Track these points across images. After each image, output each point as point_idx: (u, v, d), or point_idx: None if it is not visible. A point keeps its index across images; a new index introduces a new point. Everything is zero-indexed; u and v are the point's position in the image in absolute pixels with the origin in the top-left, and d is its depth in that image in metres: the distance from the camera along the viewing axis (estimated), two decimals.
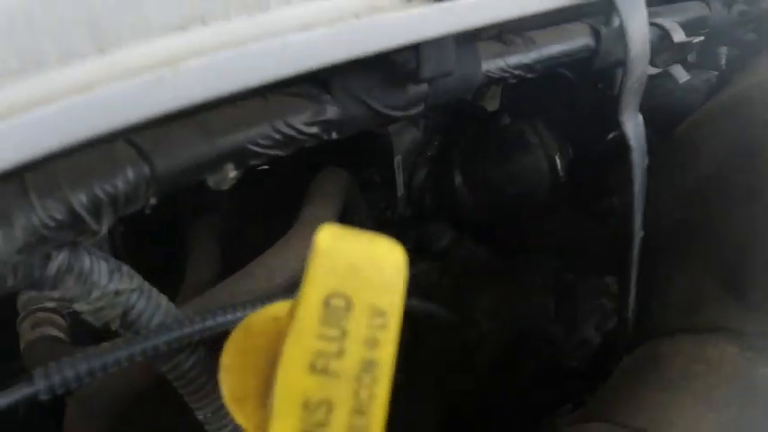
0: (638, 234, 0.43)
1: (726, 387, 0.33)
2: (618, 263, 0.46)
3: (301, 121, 0.34)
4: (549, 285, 1.04)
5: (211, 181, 0.33)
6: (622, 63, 0.56)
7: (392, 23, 0.29)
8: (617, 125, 1.00)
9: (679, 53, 0.82)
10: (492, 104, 0.83)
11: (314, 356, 0.14)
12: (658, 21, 0.54)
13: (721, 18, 0.74)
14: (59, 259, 0.31)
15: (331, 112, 0.35)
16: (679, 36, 0.52)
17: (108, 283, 0.35)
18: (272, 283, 0.55)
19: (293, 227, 0.61)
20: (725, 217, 0.43)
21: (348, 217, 0.77)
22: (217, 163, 0.32)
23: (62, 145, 0.26)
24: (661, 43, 0.56)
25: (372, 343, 0.15)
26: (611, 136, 0.96)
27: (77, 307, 0.36)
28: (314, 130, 0.34)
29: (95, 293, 0.34)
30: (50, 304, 0.52)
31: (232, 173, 0.33)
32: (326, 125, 0.35)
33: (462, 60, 0.40)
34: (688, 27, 0.68)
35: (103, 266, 0.35)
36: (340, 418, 0.14)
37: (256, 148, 0.33)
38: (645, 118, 0.90)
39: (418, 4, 0.31)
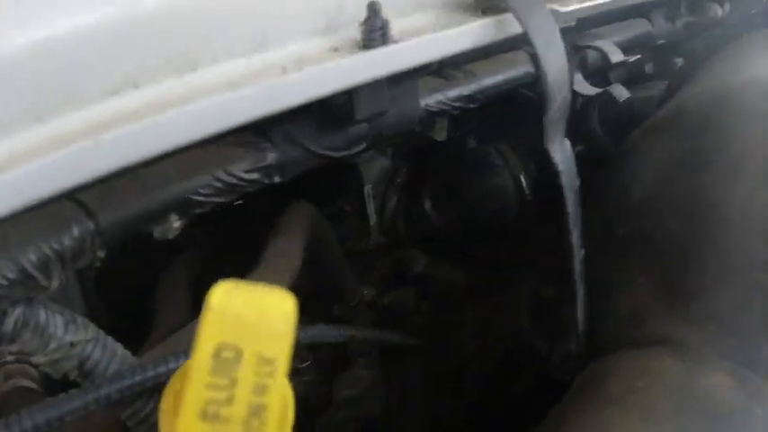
0: (579, 253, 0.46)
1: (667, 401, 0.35)
2: (564, 283, 0.48)
3: (241, 168, 0.36)
4: (528, 301, 1.06)
5: (156, 231, 0.35)
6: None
7: (319, 75, 0.31)
8: (583, 139, 1.03)
9: (628, 71, 0.86)
10: (440, 135, 0.86)
11: (205, 404, 0.16)
12: (596, 43, 0.58)
13: (665, 32, 0.78)
14: (15, 315, 0.33)
15: (271, 158, 0.37)
16: (616, 57, 0.55)
17: (64, 335, 0.36)
18: None
19: (258, 265, 0.63)
20: (665, 230, 0.45)
21: (317, 249, 0.79)
22: (160, 214, 0.34)
23: (10, 209, 0.28)
24: (600, 65, 0.59)
25: (261, 389, 0.17)
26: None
27: (35, 359, 0.37)
28: (255, 176, 0.37)
29: (52, 345, 0.36)
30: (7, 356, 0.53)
31: (176, 222, 0.35)
32: (267, 170, 0.37)
33: (400, 98, 0.43)
34: (631, 44, 0.73)
35: (59, 319, 0.36)
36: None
37: (198, 198, 0.35)
38: (603, 131, 0.93)
39: (345, 53, 0.34)
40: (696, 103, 0.51)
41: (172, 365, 0.36)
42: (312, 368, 0.93)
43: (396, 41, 0.35)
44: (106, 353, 0.37)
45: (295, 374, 0.93)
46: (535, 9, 0.34)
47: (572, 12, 0.42)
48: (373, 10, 0.33)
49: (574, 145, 1.03)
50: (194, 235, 0.82)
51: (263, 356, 0.17)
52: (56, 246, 0.31)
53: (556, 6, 0.41)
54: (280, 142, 0.38)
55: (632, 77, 0.97)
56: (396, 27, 0.38)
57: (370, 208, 1.07)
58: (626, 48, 0.71)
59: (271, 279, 0.61)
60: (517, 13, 0.34)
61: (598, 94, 0.64)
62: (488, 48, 0.46)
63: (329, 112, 0.38)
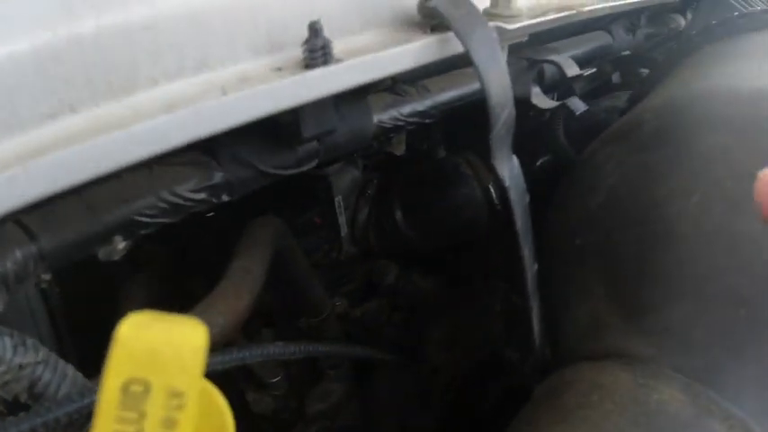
0: (532, 267, 0.47)
1: (618, 416, 0.36)
2: (520, 296, 0.49)
3: (188, 188, 0.36)
4: (499, 310, 1.07)
5: (101, 253, 0.35)
6: (523, 100, 0.62)
7: (257, 96, 0.32)
8: (549, 150, 1.05)
9: (591, 81, 0.88)
10: (399, 149, 0.88)
11: (118, 416, 0.17)
12: (552, 58, 0.59)
13: (626, 43, 0.81)
14: None
15: (218, 177, 0.38)
16: (572, 71, 0.57)
17: (13, 357, 0.36)
18: None
19: (219, 283, 0.63)
20: (619, 242, 0.47)
21: (282, 263, 0.79)
22: (104, 236, 0.34)
23: None
24: (558, 78, 0.61)
25: (169, 423, 0.17)
26: (539, 162, 1.02)
27: None
28: (201, 195, 0.37)
29: (1, 368, 0.36)
30: None
31: (121, 244, 0.35)
32: (214, 190, 0.38)
33: (350, 115, 0.44)
34: (591, 56, 0.75)
35: (7, 341, 0.36)
36: None
37: (143, 219, 0.35)
38: (569, 141, 0.96)
39: (288, 73, 0.35)
40: (651, 115, 0.53)
41: None
42: (282, 383, 0.94)
43: (340, 60, 0.36)
44: (56, 375, 0.37)
45: (265, 389, 0.94)
46: (476, 28, 0.36)
47: (520, 28, 0.43)
48: (314, 30, 0.34)
49: (541, 155, 1.05)
50: (154, 252, 0.82)
51: (172, 390, 0.17)
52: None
53: (502, 24, 0.42)
54: (227, 162, 0.38)
55: (598, 88, 1.00)
56: (342, 46, 0.39)
57: (341, 219, 1.07)
58: (587, 59, 0.73)
59: (233, 297, 0.62)
60: (458, 32, 0.36)
61: (563, 106, 0.67)
62: (453, 62, 0.47)
63: (276, 131, 0.38)
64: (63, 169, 0.28)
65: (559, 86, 0.62)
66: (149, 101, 0.31)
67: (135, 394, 0.17)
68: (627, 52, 0.83)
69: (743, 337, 0.38)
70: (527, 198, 0.46)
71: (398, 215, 1.07)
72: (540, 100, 0.60)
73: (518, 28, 0.43)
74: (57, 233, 0.33)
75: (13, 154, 0.29)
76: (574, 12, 0.49)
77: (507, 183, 0.42)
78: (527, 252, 0.46)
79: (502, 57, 0.37)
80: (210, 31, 0.33)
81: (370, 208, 1.09)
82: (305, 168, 0.43)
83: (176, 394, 0.17)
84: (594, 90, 1.02)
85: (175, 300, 0.81)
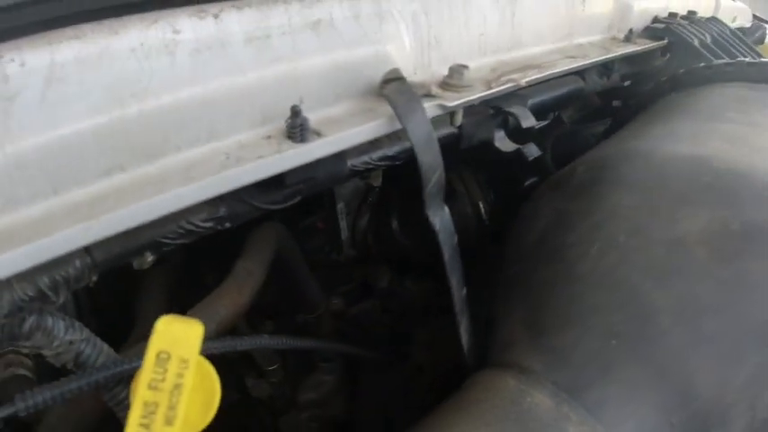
0: (459, 292, 0.62)
1: (496, 412, 0.50)
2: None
3: (200, 219, 0.52)
4: (484, 316, 1.22)
5: (135, 263, 0.52)
6: (488, 142, 0.76)
7: (251, 170, 0.48)
8: (536, 172, 1.19)
9: (577, 110, 1.02)
10: (376, 181, 1.03)
11: (151, 380, 0.32)
12: (512, 109, 0.74)
13: (599, 86, 0.94)
14: (30, 320, 0.50)
15: (222, 211, 0.54)
16: (527, 122, 0.71)
17: (64, 336, 0.53)
18: (206, 328, 0.73)
19: (225, 280, 0.79)
20: (538, 275, 0.61)
21: (282, 264, 0.95)
22: (138, 252, 0.51)
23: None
24: (515, 127, 0.75)
25: (180, 375, 0.33)
26: (527, 183, 1.16)
27: (44, 353, 0.54)
28: (209, 224, 0.53)
29: (56, 343, 0.53)
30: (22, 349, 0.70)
31: (150, 257, 0.51)
32: (219, 220, 0.54)
33: (328, 163, 0.59)
34: (562, 100, 0.88)
35: (61, 324, 0.53)
36: (161, 411, 0.32)
37: (166, 240, 0.51)
38: (555, 165, 1.09)
39: (275, 141, 0.51)
40: (583, 168, 0.67)
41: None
42: (279, 371, 1.10)
43: (317, 132, 0.51)
44: (95, 349, 0.54)
45: (263, 376, 1.11)
46: (414, 113, 0.50)
47: (458, 104, 0.58)
48: (294, 112, 0.49)
49: (529, 177, 1.19)
50: (173, 251, 0.99)
51: (182, 358, 0.33)
52: (63, 274, 0.48)
53: (443, 102, 0.57)
54: (229, 199, 0.54)
55: (588, 115, 1.13)
56: (320, 116, 0.54)
57: (343, 224, 1.24)
58: (556, 103, 0.87)
59: (235, 293, 0.78)
60: (399, 115, 0.50)
61: (550, 131, 0.80)
62: None
63: (267, 179, 0.54)
64: (119, 223, 0.44)
65: (517, 132, 0.76)
66: (174, 162, 0.47)
67: (162, 359, 0.33)
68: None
69: (610, 363, 0.52)
70: (455, 238, 0.61)
71: (395, 224, 1.23)
72: (503, 144, 0.74)
73: (457, 104, 0.57)
74: (105, 249, 0.49)
75: (80, 200, 0.45)
76: (515, 84, 0.63)
77: (437, 227, 0.57)
78: (455, 280, 0.61)
79: (433, 132, 0.52)
80: (218, 112, 0.49)
81: (370, 215, 1.25)
82: (290, 204, 0.59)
83: (184, 360, 0.33)
84: (584, 117, 1.15)
85: (189, 289, 0.98)
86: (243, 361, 1.12)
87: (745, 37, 1.19)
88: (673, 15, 1.04)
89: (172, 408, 0.33)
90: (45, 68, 0.44)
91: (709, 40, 0.99)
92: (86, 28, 0.48)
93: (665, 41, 0.96)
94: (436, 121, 0.70)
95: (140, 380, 0.33)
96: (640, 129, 0.74)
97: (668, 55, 0.97)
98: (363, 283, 1.26)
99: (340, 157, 0.61)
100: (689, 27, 0.99)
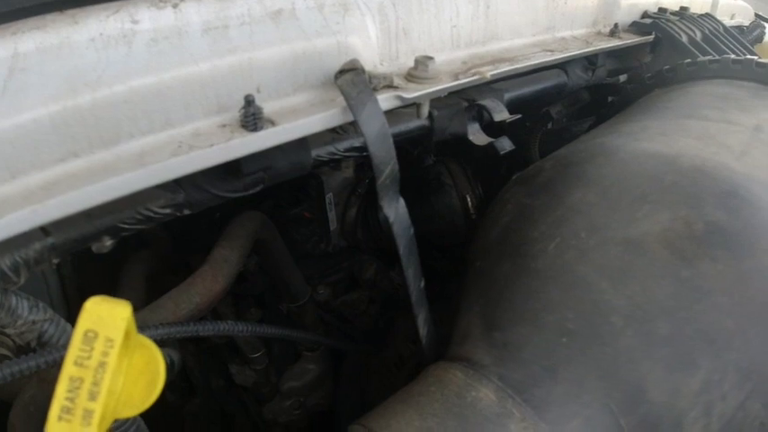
0: (416, 284, 0.63)
1: (441, 403, 0.51)
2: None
3: (157, 205, 0.54)
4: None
5: (94, 247, 0.53)
6: (460, 136, 0.77)
7: (207, 155, 0.49)
8: (524, 165, 1.19)
9: (566, 106, 1.01)
10: (347, 173, 1.04)
11: (77, 359, 0.34)
12: (484, 102, 0.74)
13: (583, 81, 0.94)
14: None
15: (180, 198, 0.55)
16: (499, 116, 0.72)
17: (28, 315, 0.55)
18: (177, 314, 0.75)
19: (200, 268, 0.81)
20: (498, 270, 0.62)
21: (263, 253, 0.97)
22: (96, 236, 0.52)
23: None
24: (490, 121, 0.76)
25: (105, 354, 0.34)
26: (515, 176, 1.17)
27: (7, 331, 0.56)
28: (167, 210, 0.55)
29: (19, 322, 0.55)
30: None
31: (108, 242, 0.53)
32: (178, 207, 0.55)
33: (290, 152, 0.60)
34: (542, 94, 0.88)
35: (25, 304, 0.55)
36: (85, 387, 0.34)
37: (124, 225, 0.53)
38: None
39: (229, 130, 0.52)
40: (550, 164, 0.67)
41: None
42: (263, 358, 1.13)
43: (271, 121, 0.53)
44: (58, 329, 0.56)
45: (247, 363, 1.13)
46: (366, 105, 0.51)
47: (419, 96, 0.59)
48: (248, 101, 0.50)
49: (516, 170, 1.19)
50: (155, 235, 1.02)
51: (108, 337, 0.35)
52: (24, 255, 0.50)
53: (400, 93, 0.57)
54: (188, 187, 0.56)
55: (579, 110, 1.13)
56: (278, 106, 0.56)
57: (332, 214, 1.25)
58: (537, 97, 0.87)
59: (210, 280, 0.80)
60: (352, 107, 0.51)
61: (539, 126, 0.80)
62: None
63: (225, 166, 0.56)
64: (68, 205, 0.46)
65: (491, 125, 0.76)
66: (128, 149, 0.49)
67: (89, 338, 0.34)
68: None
69: (559, 361, 0.53)
70: (411, 230, 0.62)
71: (382, 216, 1.23)
72: (477, 137, 0.75)
73: (416, 96, 0.58)
74: (64, 232, 0.51)
75: (36, 184, 0.47)
76: (480, 77, 0.63)
77: (392, 219, 0.58)
78: (411, 272, 0.62)
79: (386, 125, 0.53)
80: (172, 100, 0.50)
81: (359, 206, 1.26)
82: (250, 192, 0.60)
83: (110, 339, 0.35)
84: (572, 113, 1.15)
85: (173, 273, 1.01)
86: (227, 348, 1.14)
87: (742, 35, 1.18)
88: (663, 11, 1.03)
89: (96, 384, 0.34)
90: (9, 59, 0.46)
91: (699, 36, 0.98)
92: (48, 18, 0.49)
93: (652, 37, 0.95)
94: (404, 114, 0.71)
95: (67, 356, 0.35)
96: (613, 125, 0.74)
97: (655, 51, 0.96)
98: (350, 274, 1.28)
99: (302, 146, 0.62)
100: (678, 23, 0.98)
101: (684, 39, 0.95)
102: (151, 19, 0.51)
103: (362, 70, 0.55)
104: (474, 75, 0.63)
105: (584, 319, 0.53)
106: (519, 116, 0.73)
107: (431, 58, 0.62)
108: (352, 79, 0.52)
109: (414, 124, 0.71)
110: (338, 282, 1.26)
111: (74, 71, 0.48)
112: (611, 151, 0.63)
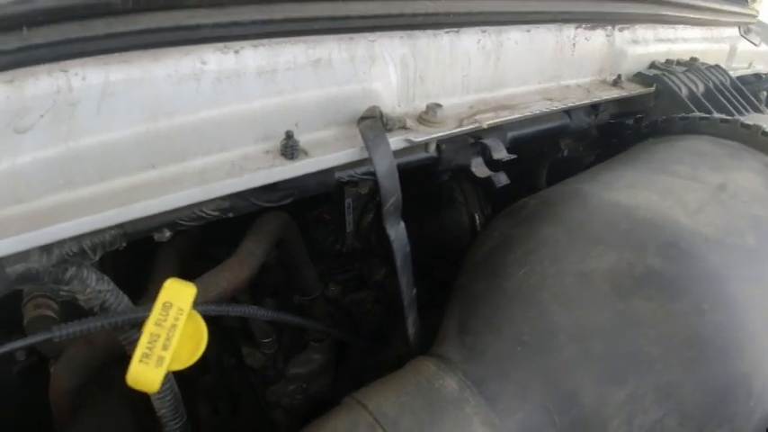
0: (408, 291, 0.81)
1: (413, 386, 0.70)
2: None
3: (209, 208, 0.74)
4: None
5: (156, 237, 0.73)
6: (465, 167, 0.95)
7: (252, 178, 0.68)
8: (532, 191, 1.36)
9: (574, 141, 1.18)
10: (363, 189, 1.22)
11: (157, 320, 0.53)
12: (485, 141, 0.92)
13: (585, 124, 1.10)
14: (71, 271, 0.71)
15: (227, 204, 0.75)
16: (498, 154, 0.90)
17: (95, 286, 0.75)
18: (206, 296, 0.95)
19: (229, 258, 1.01)
20: (476, 285, 0.80)
21: (283, 249, 1.17)
22: (159, 228, 0.72)
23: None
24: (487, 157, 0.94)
25: (176, 319, 0.53)
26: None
27: (78, 296, 0.76)
28: (216, 213, 0.74)
29: (88, 290, 0.74)
30: (47, 292, 0.93)
31: (167, 233, 0.73)
32: (224, 211, 0.75)
33: (317, 174, 0.79)
34: (545, 135, 1.06)
35: (93, 276, 0.75)
36: (161, 341, 0.53)
37: (181, 221, 0.73)
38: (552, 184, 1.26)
39: (271, 156, 0.71)
40: (534, 200, 0.85)
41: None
42: (273, 343, 1.32)
43: (305, 152, 0.71)
44: (117, 299, 0.76)
45: (258, 346, 1.33)
46: (380, 146, 0.69)
47: (425, 140, 0.77)
48: (288, 135, 0.69)
49: (523, 195, 1.36)
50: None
51: (179, 307, 0.54)
52: (101, 238, 0.70)
53: (410, 137, 0.76)
54: (234, 196, 0.75)
55: (590, 143, 1.30)
56: (310, 138, 0.75)
57: (349, 218, 1.44)
58: (539, 137, 1.05)
59: (237, 269, 1.00)
60: (368, 147, 0.69)
61: (546, 156, 0.97)
62: None
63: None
64: (146, 209, 0.65)
65: (492, 161, 0.94)
66: (192, 166, 0.68)
67: (166, 307, 0.54)
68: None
69: (512, 366, 0.71)
70: (407, 248, 0.80)
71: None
72: (479, 170, 0.93)
73: (423, 140, 0.76)
74: (134, 224, 0.71)
75: (120, 187, 0.66)
76: (478, 126, 0.81)
77: (392, 238, 0.77)
78: (405, 281, 0.80)
79: (394, 164, 0.71)
80: (229, 130, 0.70)
81: (375, 213, 1.45)
82: (283, 203, 0.79)
83: (181, 309, 0.54)
84: (587, 145, 1.32)
85: (200, 260, 1.21)
86: (241, 331, 1.34)
87: (760, 83, 1.32)
88: (670, 62, 1.18)
89: (168, 339, 0.53)
90: (101, 84, 0.65)
91: (700, 90, 1.13)
92: (135, 54, 0.69)
93: (653, 89, 1.11)
94: (413, 148, 0.90)
95: (150, 318, 0.54)
96: (596, 172, 0.92)
97: (657, 100, 1.12)
98: (360, 275, 1.47)
99: (328, 170, 0.81)
100: (681, 75, 1.13)
101: (684, 92, 1.10)
102: (217, 61, 0.70)
103: (381, 115, 0.74)
104: (474, 123, 0.81)
105: (537, 334, 0.71)
106: (515, 156, 0.90)
107: (439, 106, 0.80)
108: (370, 125, 0.71)
109: (423, 156, 0.90)
110: (348, 281, 1.45)
111: (154, 100, 0.68)
112: (583, 197, 0.81)
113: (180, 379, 0.93)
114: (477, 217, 1.34)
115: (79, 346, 0.93)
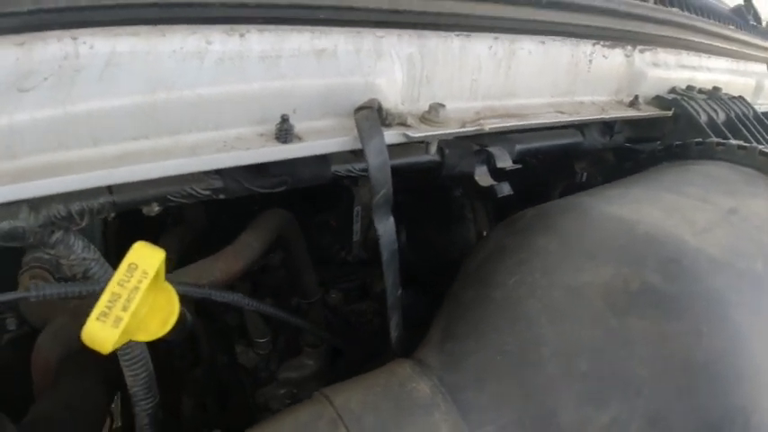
0: (394, 290, 0.79)
1: (384, 387, 0.67)
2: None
3: (200, 187, 0.73)
4: None
5: (144, 210, 0.73)
6: (469, 175, 0.93)
7: (243, 156, 0.68)
8: None
9: (588, 165, 1.16)
10: (365, 192, 1.21)
11: (120, 281, 0.52)
12: (490, 149, 0.90)
13: (599, 144, 1.08)
14: (57, 234, 0.71)
15: (217, 184, 0.74)
16: (502, 163, 0.88)
17: (81, 253, 0.74)
18: (200, 281, 0.94)
19: (225, 248, 1.00)
20: (466, 293, 0.78)
21: (285, 247, 1.16)
22: (148, 201, 0.72)
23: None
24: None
25: (140, 281, 0.53)
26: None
27: (62, 262, 0.75)
28: (206, 192, 0.74)
29: (72, 257, 0.74)
30: (45, 265, 0.93)
31: (156, 207, 0.73)
32: (215, 191, 0.75)
33: (313, 164, 0.79)
34: (556, 151, 1.04)
35: (80, 243, 0.74)
36: (121, 301, 0.52)
37: (172, 198, 0.72)
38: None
39: (265, 139, 0.71)
40: (534, 212, 0.83)
41: None
42: (267, 344, 1.31)
43: (299, 137, 0.71)
44: (101, 268, 0.75)
45: (252, 346, 1.31)
46: (373, 137, 0.68)
47: (422, 136, 0.76)
48: (283, 119, 0.69)
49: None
50: (198, 215, 1.23)
51: (143, 270, 0.53)
52: (89, 205, 0.70)
53: (407, 132, 0.75)
54: (226, 177, 0.75)
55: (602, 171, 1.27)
56: (307, 126, 0.74)
57: (356, 226, 1.43)
58: (549, 152, 1.03)
59: (231, 260, 0.99)
60: (362, 138, 0.68)
61: (562, 180, 0.96)
62: None
63: (257, 166, 0.74)
64: (133, 174, 0.65)
65: (497, 170, 0.92)
66: (185, 140, 0.68)
67: (132, 268, 0.53)
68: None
69: (489, 375, 0.68)
70: (395, 245, 0.78)
71: (403, 236, 1.41)
72: (483, 178, 0.91)
73: (420, 136, 0.75)
74: (124, 194, 0.71)
75: (112, 153, 0.66)
76: (480, 128, 0.80)
77: (380, 232, 0.75)
78: (390, 280, 0.78)
79: (386, 156, 0.70)
80: (226, 109, 0.69)
81: None
82: (276, 190, 0.78)
83: (145, 272, 0.53)
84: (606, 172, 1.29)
85: (201, 249, 1.21)
86: (237, 329, 1.33)
87: None
88: (690, 88, 1.16)
89: (128, 301, 0.53)
90: (107, 54, 0.66)
91: (721, 118, 1.10)
92: (143, 29, 0.69)
93: (671, 112, 1.08)
94: (418, 149, 0.88)
95: (114, 278, 0.53)
96: (602, 189, 0.89)
97: (675, 126, 1.09)
98: (363, 285, 1.45)
99: (323, 161, 0.81)
100: (702, 102, 1.11)
101: (703, 118, 1.07)
102: (221, 42, 0.71)
103: (380, 108, 0.73)
104: (477, 125, 0.80)
105: (520, 345, 0.68)
106: (519, 166, 0.88)
107: (442, 106, 0.79)
108: (366, 115, 0.70)
109: (425, 159, 0.88)
110: (351, 290, 1.44)
111: (156, 74, 0.68)
112: (583, 209, 0.78)
113: (169, 369, 0.93)
114: (485, 234, 1.32)
115: (64, 317, 0.93)
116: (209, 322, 1.36)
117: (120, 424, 1.29)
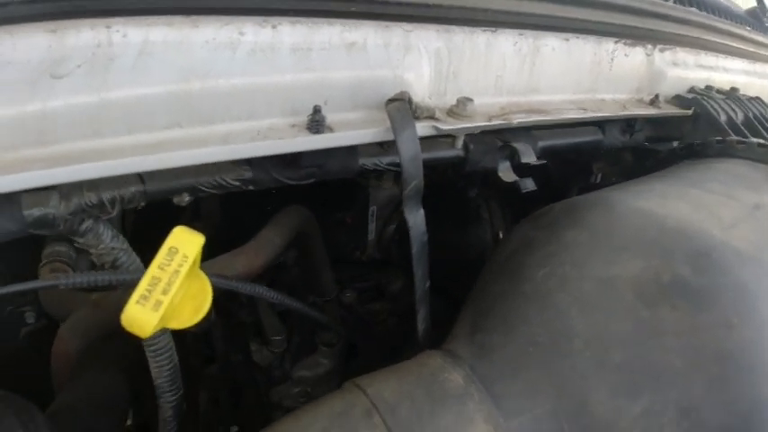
0: (423, 284, 0.79)
1: (416, 377, 0.67)
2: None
3: (230, 177, 0.74)
4: None
5: (175, 200, 0.73)
6: (492, 170, 0.93)
7: (275, 145, 0.68)
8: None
9: (608, 165, 1.16)
10: (387, 185, 1.21)
11: (161, 264, 0.52)
12: (515, 144, 0.91)
13: (619, 142, 1.09)
14: (88, 222, 0.72)
15: (248, 175, 0.74)
16: (526, 158, 0.88)
17: (109, 242, 0.75)
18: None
19: (247, 243, 1.00)
20: (494, 286, 0.78)
21: (303, 244, 1.16)
22: (178, 192, 0.72)
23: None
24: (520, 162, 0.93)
25: (180, 265, 0.53)
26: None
27: (90, 251, 0.76)
28: (237, 183, 0.74)
29: (101, 246, 0.74)
30: (64, 258, 0.93)
31: (186, 198, 0.73)
32: (245, 182, 0.75)
33: (341, 156, 0.79)
34: (576, 148, 1.04)
35: (109, 233, 0.75)
36: (161, 285, 0.52)
37: (201, 188, 0.73)
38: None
39: (297, 129, 0.71)
40: (560, 206, 0.83)
41: None
42: (282, 343, 1.31)
43: (330, 128, 0.71)
44: (130, 259, 0.76)
45: (267, 344, 1.31)
46: (405, 126, 0.69)
47: (452, 129, 0.76)
48: (315, 110, 0.69)
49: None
50: (214, 210, 1.23)
51: (184, 254, 0.53)
52: (121, 193, 0.70)
53: (437, 124, 0.75)
54: (256, 167, 0.75)
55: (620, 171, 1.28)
56: (338, 118, 0.74)
57: (371, 226, 1.44)
58: (569, 150, 1.03)
59: (252, 255, 0.99)
60: (395, 129, 0.69)
61: (580, 179, 0.96)
62: None
63: (288, 156, 0.74)
64: (165, 162, 0.66)
65: (521, 165, 0.93)
66: (218, 130, 0.68)
67: (172, 252, 0.53)
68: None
69: (521, 366, 0.68)
70: (425, 237, 0.79)
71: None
72: (506, 174, 0.91)
73: (450, 129, 0.76)
74: (155, 183, 0.71)
75: (145, 141, 0.67)
76: (507, 122, 0.80)
77: (411, 224, 0.75)
78: (420, 273, 0.78)
79: (418, 148, 0.70)
80: (258, 99, 0.70)
81: (398, 224, 1.44)
82: (304, 183, 0.79)
83: (186, 256, 0.53)
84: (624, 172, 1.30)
85: (221, 243, 1.21)
86: (252, 327, 1.33)
87: None
88: (709, 88, 1.16)
89: (168, 284, 0.53)
90: (140, 43, 0.67)
91: (740, 118, 1.11)
92: (176, 18, 0.70)
93: (690, 111, 1.09)
94: (443, 143, 0.89)
95: (154, 261, 0.53)
96: (628, 184, 0.89)
97: (695, 125, 1.10)
98: (378, 285, 1.45)
99: (352, 153, 0.81)
100: (721, 102, 1.11)
101: (723, 118, 1.08)
102: (254, 33, 0.71)
103: (410, 101, 0.73)
104: (504, 119, 0.80)
105: (551, 337, 0.68)
106: (544, 162, 0.89)
107: (470, 100, 0.80)
108: (398, 107, 0.71)
109: (450, 153, 0.89)
110: (366, 290, 1.44)
111: (189, 63, 0.68)
112: (611, 203, 0.79)
113: (184, 367, 0.92)
114: (500, 235, 1.32)
115: (87, 309, 0.93)
116: (224, 319, 1.36)
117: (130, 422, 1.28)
